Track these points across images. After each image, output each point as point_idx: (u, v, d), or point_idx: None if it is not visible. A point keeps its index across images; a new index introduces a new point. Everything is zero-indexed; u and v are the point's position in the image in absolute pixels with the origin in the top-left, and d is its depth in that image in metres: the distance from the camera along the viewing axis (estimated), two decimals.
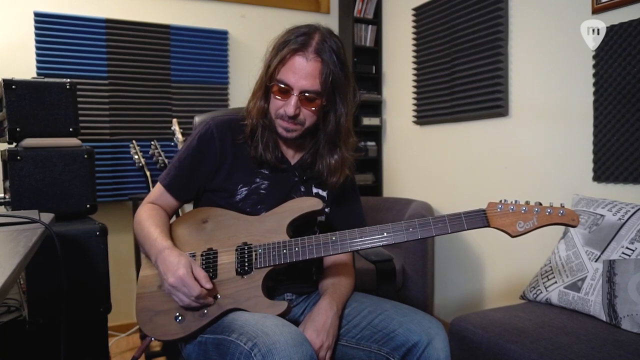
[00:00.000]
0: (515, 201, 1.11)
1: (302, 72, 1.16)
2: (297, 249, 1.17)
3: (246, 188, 1.27)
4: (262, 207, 1.26)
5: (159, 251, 1.14)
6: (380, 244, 1.14)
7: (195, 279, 1.10)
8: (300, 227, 1.26)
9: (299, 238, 1.18)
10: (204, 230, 1.24)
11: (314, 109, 1.20)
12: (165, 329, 1.16)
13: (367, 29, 3.35)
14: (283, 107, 1.19)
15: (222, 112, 1.48)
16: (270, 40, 1.24)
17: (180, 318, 1.15)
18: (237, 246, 1.20)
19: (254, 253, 1.19)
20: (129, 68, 2.81)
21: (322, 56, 1.16)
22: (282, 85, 1.18)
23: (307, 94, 1.17)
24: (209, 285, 1.11)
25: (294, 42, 1.17)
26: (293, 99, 1.18)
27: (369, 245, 1.15)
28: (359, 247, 1.16)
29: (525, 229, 1.09)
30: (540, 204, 1.10)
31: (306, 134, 1.26)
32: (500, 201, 1.11)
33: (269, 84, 1.20)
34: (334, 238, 1.16)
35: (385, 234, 1.14)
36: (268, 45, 1.24)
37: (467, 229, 1.11)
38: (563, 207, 1.09)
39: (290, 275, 1.27)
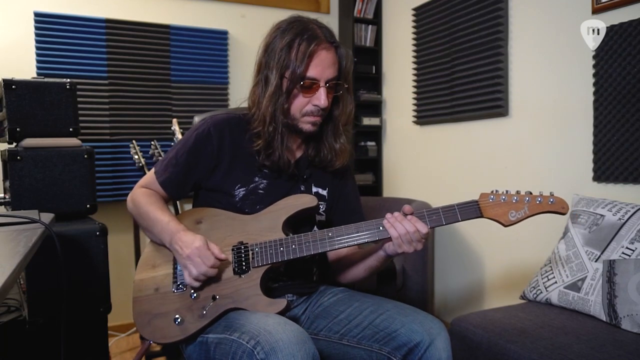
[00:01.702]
0: (507, 191, 1.13)
1: (326, 62, 1.19)
2: (294, 246, 1.17)
3: (244, 189, 1.26)
4: (261, 207, 1.25)
5: (174, 232, 1.16)
6: (377, 237, 1.15)
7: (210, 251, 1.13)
8: (299, 226, 1.26)
9: (296, 235, 1.18)
10: (198, 231, 1.23)
11: (336, 94, 1.24)
12: (165, 332, 1.15)
13: (367, 29, 3.35)
14: (310, 102, 1.21)
15: (220, 111, 1.47)
16: (260, 46, 1.25)
17: (179, 320, 1.15)
18: (233, 246, 1.20)
19: (250, 252, 1.19)
20: (129, 68, 2.80)
21: (334, 43, 1.21)
22: (309, 81, 1.19)
23: (329, 83, 1.20)
24: (222, 256, 1.14)
25: (302, 38, 1.17)
26: (322, 91, 1.19)
27: (366, 240, 1.16)
28: (355, 242, 1.16)
29: (517, 218, 1.12)
30: (531, 193, 1.12)
31: None
32: (492, 191, 1.13)
33: (300, 84, 1.19)
34: (330, 234, 1.17)
35: (381, 227, 1.15)
36: (258, 49, 1.25)
37: (461, 220, 1.13)
38: (552, 195, 1.11)
39: (291, 275, 1.27)
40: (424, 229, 1.11)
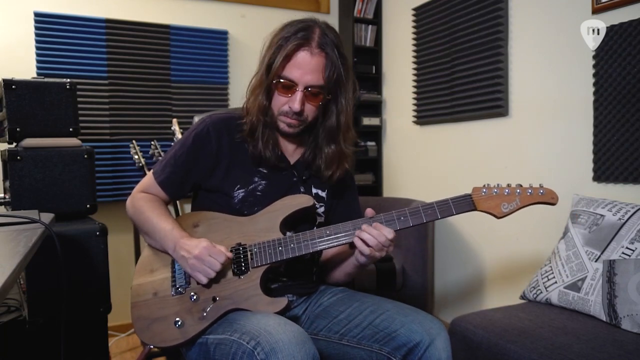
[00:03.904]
0: (498, 184, 1.17)
1: (307, 67, 1.16)
2: (292, 245, 1.17)
3: (243, 190, 1.26)
4: (259, 208, 1.25)
5: (178, 239, 1.16)
6: None
7: None
8: (298, 228, 1.26)
9: (294, 234, 1.18)
10: (195, 234, 1.23)
11: (319, 103, 1.21)
12: (164, 336, 1.15)
13: (367, 29, 3.35)
14: (287, 103, 1.20)
15: (219, 111, 1.47)
16: (266, 37, 1.24)
17: (180, 323, 1.15)
18: (232, 247, 1.20)
19: (249, 252, 1.19)
20: (129, 68, 2.80)
21: (325, 50, 1.18)
22: (287, 82, 1.17)
23: (311, 89, 1.18)
24: (229, 255, 1.15)
25: (295, 37, 1.17)
26: (298, 95, 1.18)
27: None
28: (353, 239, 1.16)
29: (509, 210, 1.16)
30: (521, 185, 1.17)
31: (305, 129, 1.27)
32: (484, 185, 1.17)
33: (274, 81, 1.19)
34: (328, 232, 1.17)
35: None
36: (264, 41, 1.24)
37: (456, 214, 1.16)
38: (542, 186, 1.16)
39: (291, 275, 1.27)
40: (390, 234, 1.13)
